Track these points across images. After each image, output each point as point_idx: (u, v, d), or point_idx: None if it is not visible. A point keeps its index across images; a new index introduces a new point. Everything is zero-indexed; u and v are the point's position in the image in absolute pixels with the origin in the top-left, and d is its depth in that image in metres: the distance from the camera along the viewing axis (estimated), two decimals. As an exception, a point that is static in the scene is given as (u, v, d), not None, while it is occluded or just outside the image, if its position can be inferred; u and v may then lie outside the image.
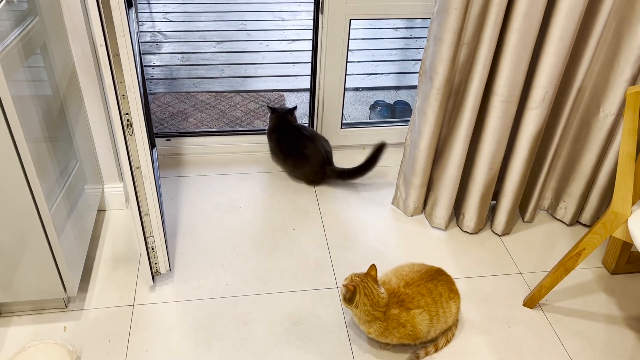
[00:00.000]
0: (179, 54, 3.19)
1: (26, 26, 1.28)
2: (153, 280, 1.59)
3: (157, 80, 2.89)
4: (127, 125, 1.29)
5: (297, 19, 3.78)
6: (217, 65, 3.07)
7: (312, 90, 2.13)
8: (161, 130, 2.40)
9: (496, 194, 1.87)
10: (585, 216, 1.91)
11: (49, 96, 1.41)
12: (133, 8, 1.77)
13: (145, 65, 3.02)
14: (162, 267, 1.59)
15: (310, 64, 2.10)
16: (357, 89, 2.91)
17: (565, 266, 1.47)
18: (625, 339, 1.54)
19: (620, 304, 1.65)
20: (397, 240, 1.84)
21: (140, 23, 3.58)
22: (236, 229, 1.84)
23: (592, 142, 1.74)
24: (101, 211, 1.88)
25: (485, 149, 1.69)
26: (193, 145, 2.19)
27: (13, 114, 1.14)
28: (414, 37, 3.64)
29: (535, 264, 1.77)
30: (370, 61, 3.24)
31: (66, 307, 1.54)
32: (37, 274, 1.38)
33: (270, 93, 2.79)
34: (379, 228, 1.88)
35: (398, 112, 2.61)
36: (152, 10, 3.80)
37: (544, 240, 1.87)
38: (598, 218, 1.89)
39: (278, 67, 3.09)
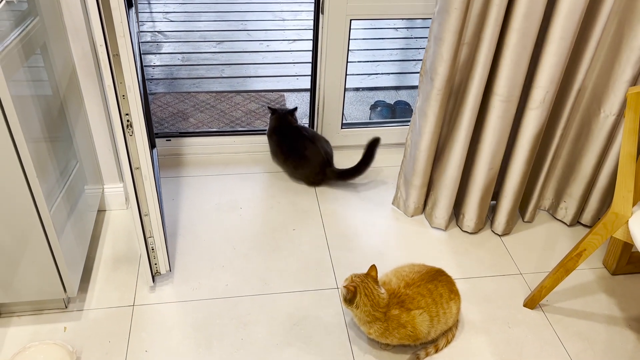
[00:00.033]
0: (179, 54, 3.19)
1: (26, 26, 1.28)
2: (153, 280, 1.59)
3: (158, 80, 2.89)
4: (127, 126, 1.29)
5: (298, 19, 3.77)
6: (218, 66, 3.07)
7: (313, 90, 2.12)
8: (161, 130, 2.40)
9: (496, 194, 1.87)
10: (586, 217, 1.91)
11: (49, 96, 1.41)
12: (133, 8, 1.77)
13: (145, 65, 3.02)
14: (162, 267, 1.59)
15: (310, 64, 2.10)
16: (357, 89, 2.91)
17: (565, 267, 1.47)
18: (626, 340, 1.54)
19: (621, 304, 1.64)
20: (397, 240, 1.84)
21: (140, 23, 3.58)
22: (236, 229, 1.84)
23: (592, 143, 1.74)
24: (101, 211, 1.87)
25: (485, 149, 1.69)
26: (193, 146, 2.19)
27: (13, 114, 1.14)
28: (415, 37, 3.64)
29: (536, 264, 1.77)
30: (371, 61, 3.24)
31: (66, 307, 1.53)
32: (37, 274, 1.38)
33: (271, 93, 2.78)
34: (379, 228, 1.88)
35: (398, 112, 2.61)
36: (153, 10, 3.80)
37: (545, 241, 1.87)
38: (599, 219, 1.89)
39: (278, 67, 3.09)
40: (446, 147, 1.75)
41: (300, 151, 1.99)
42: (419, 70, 3.02)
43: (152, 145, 2.06)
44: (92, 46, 1.58)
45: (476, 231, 1.88)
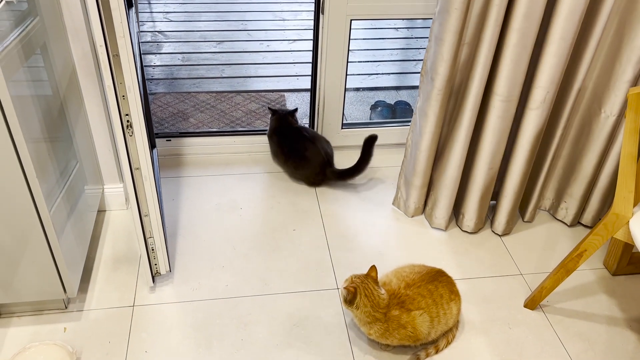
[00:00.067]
0: (179, 54, 3.19)
1: (26, 26, 1.28)
2: (153, 281, 1.59)
3: (158, 80, 2.88)
4: (127, 126, 1.29)
5: (298, 19, 3.77)
6: (218, 66, 3.07)
7: (313, 90, 2.12)
8: (161, 130, 2.40)
9: (497, 195, 1.86)
10: (587, 217, 1.91)
11: (49, 96, 1.41)
12: (133, 8, 1.76)
13: (145, 65, 3.01)
14: (162, 267, 1.59)
15: (310, 64, 2.10)
16: (357, 89, 2.91)
17: (566, 267, 1.47)
18: (627, 341, 1.53)
19: (622, 305, 1.64)
20: (397, 241, 1.84)
21: (140, 23, 3.58)
22: (236, 230, 1.84)
23: (593, 143, 1.74)
24: (101, 212, 1.87)
25: (485, 149, 1.69)
26: (193, 146, 2.19)
27: (12, 114, 1.14)
28: (415, 37, 3.64)
29: (536, 264, 1.77)
30: (371, 61, 3.24)
31: (66, 308, 1.53)
32: (36, 274, 1.38)
33: (271, 93, 2.78)
34: (380, 229, 1.88)
35: (399, 112, 2.61)
36: (153, 10, 3.80)
37: (545, 241, 1.87)
38: (599, 219, 1.88)
39: (279, 67, 3.09)
40: (446, 147, 1.75)
41: (301, 152, 1.99)
42: (419, 70, 3.02)
43: (152, 146, 2.06)
44: (92, 46, 1.57)
45: (476, 231, 1.88)
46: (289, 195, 2.01)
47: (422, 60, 3.21)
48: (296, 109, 2.13)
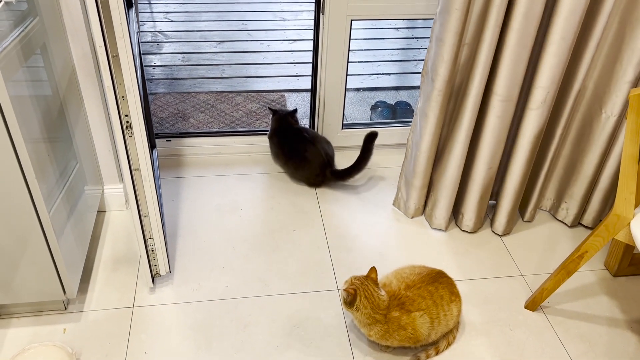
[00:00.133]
0: (179, 54, 3.18)
1: (26, 27, 1.27)
2: (153, 281, 1.59)
3: (158, 80, 2.88)
4: (127, 127, 1.29)
5: (299, 19, 3.77)
6: (218, 66, 3.07)
7: (313, 90, 2.12)
8: (161, 130, 2.39)
9: (497, 195, 1.86)
10: (587, 218, 1.90)
11: (49, 96, 1.40)
12: (133, 8, 1.76)
13: (145, 66, 3.01)
14: (162, 268, 1.58)
15: (311, 64, 2.10)
16: (358, 90, 2.90)
17: (567, 269, 1.47)
18: (628, 342, 1.53)
19: (623, 306, 1.64)
20: (397, 241, 1.83)
21: (141, 23, 3.58)
22: (236, 230, 1.84)
23: (594, 144, 1.73)
24: (101, 212, 1.87)
25: (484, 149, 1.69)
26: (193, 146, 2.18)
27: (12, 115, 1.14)
28: (416, 37, 3.64)
29: (537, 265, 1.76)
30: (372, 61, 3.23)
31: (65, 309, 1.53)
32: (36, 275, 1.38)
33: (271, 93, 2.78)
34: (380, 229, 1.88)
35: (399, 112, 2.60)
36: (153, 10, 3.79)
37: (545, 242, 1.87)
38: (600, 220, 1.88)
39: (279, 68, 3.09)
40: (446, 147, 1.75)
41: (301, 153, 1.99)
42: (419, 70, 3.02)
43: (152, 146, 2.06)
44: (91, 47, 1.57)
45: (475, 230, 1.88)
46: (289, 195, 2.01)
47: (422, 60, 3.21)
48: (296, 110, 2.12)
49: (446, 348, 1.48)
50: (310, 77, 2.15)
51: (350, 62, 2.07)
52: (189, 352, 1.44)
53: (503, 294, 1.66)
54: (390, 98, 2.84)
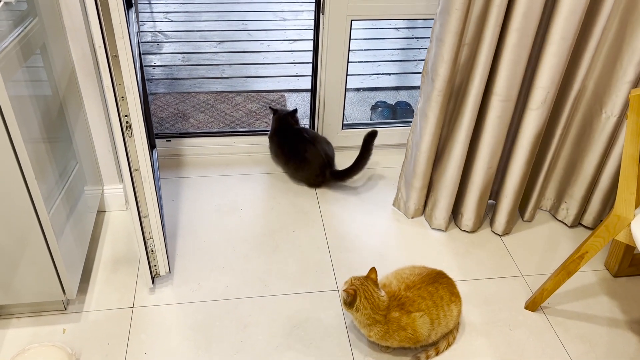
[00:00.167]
0: (179, 54, 3.18)
1: (25, 27, 1.27)
2: (152, 282, 1.59)
3: (158, 80, 2.88)
4: (126, 127, 1.28)
5: (299, 19, 3.77)
6: (218, 66, 3.07)
7: (313, 90, 2.12)
8: (161, 130, 2.39)
9: (496, 194, 1.86)
10: (587, 218, 1.90)
11: (48, 97, 1.40)
12: (133, 8, 1.76)
13: (145, 66, 3.01)
14: (162, 269, 1.58)
15: (311, 64, 2.10)
16: (358, 90, 2.90)
17: (567, 269, 1.46)
18: (628, 342, 1.53)
19: (623, 307, 1.64)
20: (397, 242, 1.83)
21: (141, 23, 3.58)
22: (236, 231, 1.83)
23: (594, 144, 1.73)
24: (101, 212, 1.87)
25: (484, 148, 1.69)
26: (193, 146, 2.18)
27: (11, 115, 1.13)
28: (416, 37, 3.63)
29: (537, 266, 1.76)
30: (372, 61, 3.23)
31: (65, 309, 1.53)
32: (36, 276, 1.38)
33: (271, 93, 2.78)
34: (380, 230, 1.87)
35: (399, 112, 2.60)
36: (153, 10, 3.79)
37: (546, 242, 1.86)
38: (600, 220, 1.88)
39: (279, 68, 3.09)
40: (446, 148, 1.75)
41: (301, 153, 1.99)
42: (420, 70, 3.02)
43: (152, 146, 2.06)
44: (91, 47, 1.57)
45: (475, 230, 1.88)
46: (290, 196, 2.01)
47: (422, 60, 3.21)
48: (296, 110, 2.12)
49: (446, 348, 1.47)
50: (310, 77, 2.15)
51: (350, 62, 2.07)
52: (188, 352, 1.44)
53: (503, 295, 1.65)
54: (391, 98, 2.84)
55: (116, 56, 1.19)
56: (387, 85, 2.99)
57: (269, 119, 2.53)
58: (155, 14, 3.73)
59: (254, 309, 1.56)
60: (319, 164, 1.98)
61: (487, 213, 1.96)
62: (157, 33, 3.43)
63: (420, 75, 1.71)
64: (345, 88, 2.10)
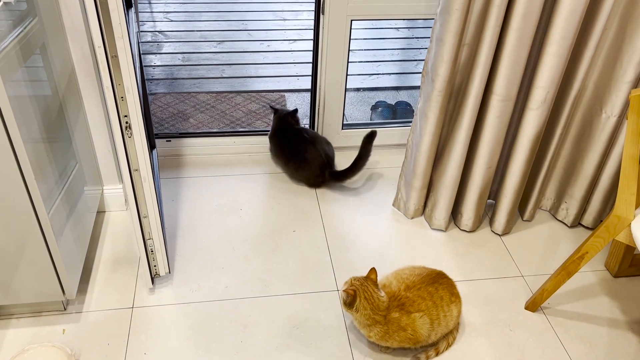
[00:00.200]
0: (179, 54, 3.18)
1: (25, 27, 1.27)
2: (152, 282, 1.59)
3: (158, 80, 2.88)
4: (126, 128, 1.28)
5: (299, 19, 3.77)
6: (218, 66, 3.06)
7: (313, 90, 2.12)
8: (161, 130, 2.39)
9: (496, 194, 1.86)
10: (587, 218, 1.90)
11: (48, 97, 1.40)
12: (132, 8, 1.76)
13: (145, 66, 3.01)
14: (162, 269, 1.58)
15: (311, 64, 2.09)
16: (358, 90, 2.90)
17: (567, 269, 1.46)
18: (628, 343, 1.53)
19: (623, 307, 1.63)
20: (397, 242, 1.83)
21: (141, 23, 3.57)
22: (236, 231, 1.83)
23: (594, 144, 1.73)
24: (100, 212, 1.87)
25: (483, 148, 1.69)
26: (193, 146, 2.18)
27: (10, 115, 1.13)
28: (416, 37, 3.63)
29: (537, 266, 1.76)
30: (372, 61, 3.23)
31: (65, 309, 1.53)
32: (35, 276, 1.37)
33: (271, 93, 2.78)
34: (380, 230, 1.87)
35: (399, 112, 2.60)
36: (153, 10, 3.79)
37: (546, 242, 1.86)
38: (600, 221, 1.88)
39: (279, 68, 3.09)
40: (446, 148, 1.75)
41: (301, 154, 1.99)
42: (420, 70, 3.01)
43: (152, 146, 2.06)
44: (91, 47, 1.57)
45: (474, 230, 1.88)
46: (289, 196, 2.00)
47: (422, 60, 3.21)
48: (296, 110, 2.12)
49: (446, 349, 1.47)
50: (310, 77, 2.15)
51: (350, 62, 2.07)
52: (188, 352, 1.44)
53: (503, 295, 1.65)
54: (391, 98, 2.84)
55: (116, 56, 1.19)
56: (387, 85, 2.99)
57: (269, 119, 2.53)
58: (155, 14, 3.73)
59: (254, 309, 1.56)
60: (318, 164, 1.98)
61: (486, 212, 1.96)
62: (157, 33, 3.43)
63: (420, 75, 1.71)
64: (345, 88, 2.10)
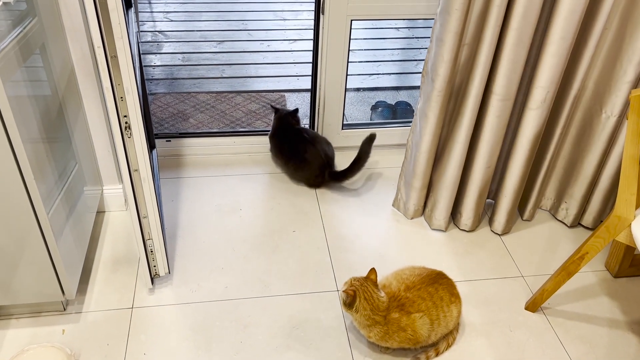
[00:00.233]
0: (179, 54, 3.18)
1: (25, 27, 1.27)
2: (152, 282, 1.59)
3: (158, 80, 2.88)
4: (126, 128, 1.28)
5: (299, 19, 3.76)
6: (218, 66, 3.06)
7: (313, 90, 2.12)
8: (161, 131, 2.39)
9: (496, 194, 1.86)
10: (587, 218, 1.90)
11: (48, 97, 1.40)
12: (132, 8, 1.76)
13: (145, 66, 3.01)
14: (161, 269, 1.58)
15: (311, 64, 2.09)
16: (358, 90, 2.90)
17: (567, 270, 1.46)
18: (628, 343, 1.52)
19: (623, 307, 1.63)
20: (397, 242, 1.83)
21: (141, 23, 3.57)
22: (236, 231, 1.83)
23: (594, 144, 1.73)
24: (100, 212, 1.87)
25: (483, 148, 1.69)
26: (193, 146, 2.18)
27: (10, 115, 1.13)
28: (416, 37, 3.63)
29: (537, 266, 1.76)
30: (372, 61, 3.23)
31: (64, 309, 1.53)
32: (35, 276, 1.37)
33: (271, 93, 2.78)
34: (380, 230, 1.87)
35: (399, 112, 2.60)
36: (153, 10, 3.79)
37: (545, 242, 1.86)
38: (600, 221, 1.88)
39: (279, 68, 3.08)
40: (446, 148, 1.74)
41: (301, 154, 1.99)
42: (420, 70, 3.01)
43: (152, 146, 2.06)
44: (91, 47, 1.57)
45: (473, 229, 1.88)
46: (289, 196, 2.00)
47: (422, 60, 3.21)
48: (297, 110, 2.12)
49: (446, 349, 1.47)
50: (310, 77, 2.15)
51: (350, 62, 2.07)
52: (188, 353, 1.44)
53: (503, 295, 1.65)
54: (391, 98, 2.84)
55: (115, 57, 1.19)
56: (387, 85, 2.99)
57: (269, 119, 2.53)
58: (155, 14, 3.72)
59: (254, 310, 1.56)
60: (318, 165, 1.98)
61: (486, 212, 1.96)
62: (157, 33, 3.42)
63: (420, 75, 1.71)
64: (345, 88, 2.09)
